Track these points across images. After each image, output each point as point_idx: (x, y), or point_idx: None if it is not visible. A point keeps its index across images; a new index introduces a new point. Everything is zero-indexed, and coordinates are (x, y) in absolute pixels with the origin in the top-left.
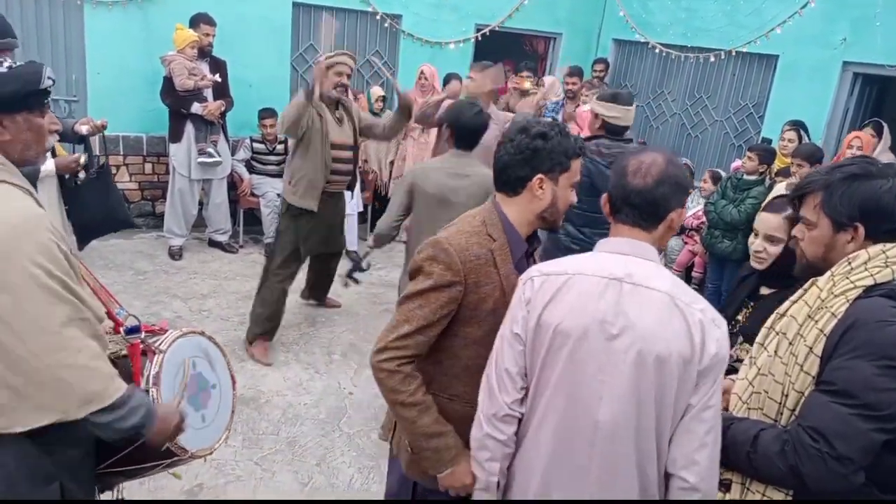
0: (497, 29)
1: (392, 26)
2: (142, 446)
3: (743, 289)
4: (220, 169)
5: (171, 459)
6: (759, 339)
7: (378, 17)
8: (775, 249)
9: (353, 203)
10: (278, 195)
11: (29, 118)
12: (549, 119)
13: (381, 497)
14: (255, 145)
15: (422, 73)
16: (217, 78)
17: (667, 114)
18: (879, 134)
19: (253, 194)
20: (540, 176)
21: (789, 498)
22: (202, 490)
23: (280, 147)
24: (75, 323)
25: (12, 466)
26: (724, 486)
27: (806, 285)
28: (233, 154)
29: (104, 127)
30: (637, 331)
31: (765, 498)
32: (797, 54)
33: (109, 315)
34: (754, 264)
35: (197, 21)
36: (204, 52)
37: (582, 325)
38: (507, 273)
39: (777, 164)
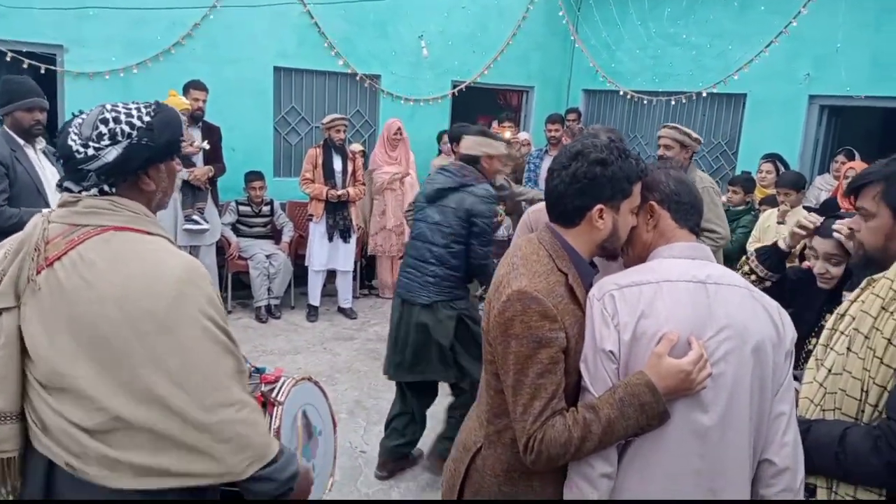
0: (472, 85)
1: (372, 86)
2: None
3: (811, 314)
4: (209, 235)
5: None
6: (822, 340)
7: (358, 78)
8: (838, 270)
9: (349, 260)
10: (267, 256)
11: (170, 164)
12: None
13: None
14: (241, 208)
15: (399, 129)
16: (205, 144)
17: (641, 156)
18: (851, 160)
19: (241, 257)
20: (600, 206)
21: (883, 497)
22: None
23: (266, 209)
24: (239, 376)
25: None
26: (809, 491)
27: (863, 284)
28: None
29: None
30: (734, 326)
31: (855, 498)
32: (764, 91)
33: None
34: (821, 285)
35: (188, 87)
36: (195, 118)
37: (683, 329)
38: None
39: (757, 195)
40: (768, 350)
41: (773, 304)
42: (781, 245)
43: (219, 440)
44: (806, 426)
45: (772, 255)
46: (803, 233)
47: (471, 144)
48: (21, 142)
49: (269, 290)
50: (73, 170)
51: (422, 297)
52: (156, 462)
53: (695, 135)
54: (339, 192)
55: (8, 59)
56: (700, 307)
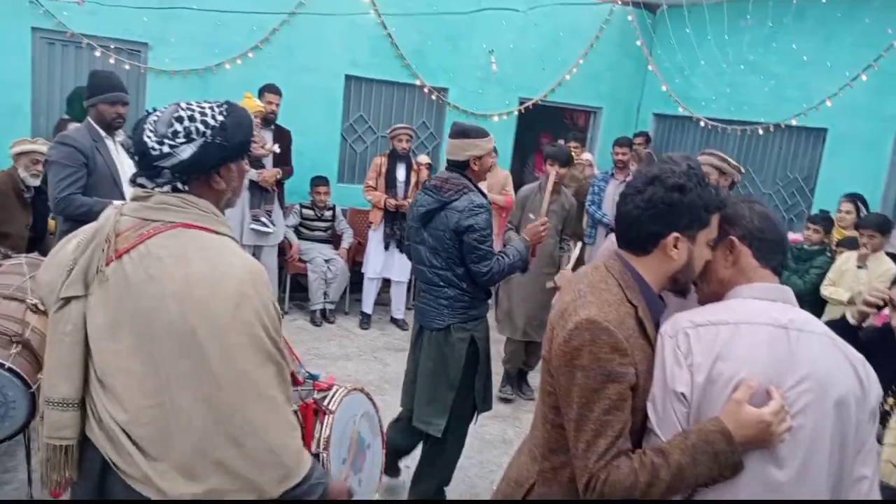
0: (540, 102)
1: (439, 99)
2: None
3: (887, 373)
4: (273, 237)
5: None
6: None
7: (426, 91)
8: None
9: (404, 270)
10: (325, 261)
11: (240, 164)
12: (685, 168)
13: None
14: (305, 211)
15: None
16: (275, 148)
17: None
18: None
19: (301, 260)
20: (676, 234)
21: None
22: None
23: (328, 214)
24: (280, 386)
25: None
26: None
27: None
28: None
29: None
30: (816, 377)
31: None
32: (847, 127)
33: (292, 375)
34: None
35: (263, 91)
36: (268, 121)
37: (761, 375)
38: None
39: (835, 235)
40: (851, 405)
41: (859, 357)
42: (850, 320)
43: (250, 456)
44: (892, 493)
45: (842, 332)
46: (873, 311)
47: (454, 149)
48: (102, 133)
49: (325, 294)
50: (148, 166)
51: (436, 322)
52: (184, 480)
53: (734, 161)
54: (399, 202)
55: (98, 54)
56: (780, 353)
